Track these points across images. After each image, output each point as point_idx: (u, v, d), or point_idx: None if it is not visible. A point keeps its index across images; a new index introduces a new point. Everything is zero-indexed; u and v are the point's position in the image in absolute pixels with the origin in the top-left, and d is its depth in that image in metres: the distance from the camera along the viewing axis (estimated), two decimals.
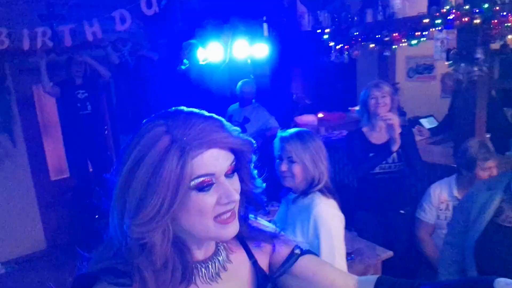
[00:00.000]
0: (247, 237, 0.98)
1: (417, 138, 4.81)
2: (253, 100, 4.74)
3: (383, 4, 3.21)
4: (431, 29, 2.81)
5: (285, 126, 4.79)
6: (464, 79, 2.89)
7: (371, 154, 2.96)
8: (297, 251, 0.99)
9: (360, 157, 2.99)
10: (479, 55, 2.63)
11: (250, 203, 0.94)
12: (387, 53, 3.15)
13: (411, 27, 2.90)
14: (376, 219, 3.08)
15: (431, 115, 5.15)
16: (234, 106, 4.81)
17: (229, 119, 4.63)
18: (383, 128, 2.96)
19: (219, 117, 0.84)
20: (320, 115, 4.74)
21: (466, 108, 3.04)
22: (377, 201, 3.04)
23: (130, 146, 0.79)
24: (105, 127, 5.09)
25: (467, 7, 2.61)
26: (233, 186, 0.83)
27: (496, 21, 2.42)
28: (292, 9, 4.13)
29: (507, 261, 1.61)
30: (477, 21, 2.54)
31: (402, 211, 3.05)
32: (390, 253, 2.61)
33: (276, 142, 2.06)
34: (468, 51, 2.78)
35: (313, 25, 3.80)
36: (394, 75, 5.75)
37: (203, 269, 0.88)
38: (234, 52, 4.97)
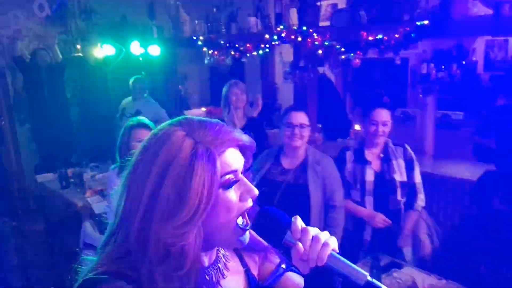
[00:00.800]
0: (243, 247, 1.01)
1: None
2: (145, 95, 5.32)
3: (242, 20, 4.03)
4: (272, 43, 3.63)
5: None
6: (299, 82, 3.77)
7: None
8: (283, 265, 1.06)
9: None
10: (302, 64, 3.50)
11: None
12: (244, 60, 3.91)
13: (257, 40, 3.72)
14: None
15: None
16: (127, 100, 5.34)
17: (122, 112, 5.18)
18: (240, 120, 3.77)
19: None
20: (203, 108, 5.47)
21: (303, 103, 3.94)
22: None
23: (148, 154, 0.80)
24: (1, 118, 5.35)
25: (295, 27, 3.47)
26: None
27: (308, 40, 3.29)
28: (177, 16, 4.78)
29: (268, 203, 2.47)
30: (299, 39, 3.40)
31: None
32: None
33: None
34: (299, 61, 3.65)
35: (191, 32, 4.50)
36: (274, 76, 6.69)
37: (206, 276, 0.89)
38: (130, 50, 5.52)
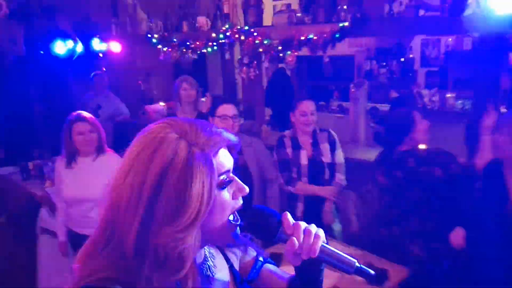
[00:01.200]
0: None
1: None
2: (106, 90, 5.52)
3: (193, 19, 4.31)
4: (220, 41, 3.92)
5: (135, 113, 5.65)
6: (246, 77, 4.07)
7: None
8: (261, 258, 1.09)
9: None
10: (246, 60, 3.80)
11: None
12: (194, 57, 4.19)
13: (206, 38, 4.00)
14: None
15: None
16: (89, 95, 5.54)
17: (84, 106, 5.36)
18: (191, 113, 4.04)
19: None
20: (162, 103, 5.72)
21: (251, 96, 4.25)
22: None
23: (141, 159, 0.78)
24: None
25: (239, 26, 3.77)
26: None
27: (250, 38, 3.59)
28: (134, 14, 5.01)
29: None
30: (242, 37, 3.69)
31: None
32: None
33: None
34: (244, 57, 3.94)
35: (147, 30, 4.73)
36: (234, 72, 6.96)
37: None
38: (92, 46, 5.70)
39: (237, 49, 4.28)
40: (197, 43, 4.06)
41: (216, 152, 0.82)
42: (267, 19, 3.87)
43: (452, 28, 3.09)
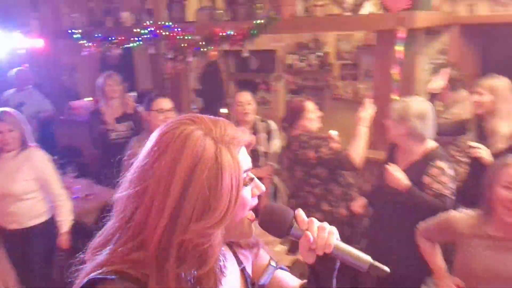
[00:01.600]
0: (236, 244, 1.02)
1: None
2: (29, 86, 5.38)
3: (116, 14, 4.37)
4: (142, 36, 4.02)
5: (60, 109, 5.57)
6: (171, 72, 4.22)
7: (109, 127, 4.05)
8: (273, 263, 1.08)
9: (98, 129, 4.05)
10: (171, 55, 3.95)
11: None
12: (119, 52, 4.26)
13: (130, 33, 4.09)
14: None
15: None
16: (10, 91, 5.36)
17: (6, 103, 5.19)
18: (116, 107, 4.10)
19: None
20: (88, 98, 5.69)
21: (178, 90, 4.41)
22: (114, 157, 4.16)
23: (168, 156, 0.78)
24: None
25: (159, 22, 3.90)
26: None
27: (173, 34, 3.75)
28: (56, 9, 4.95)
29: None
30: (166, 32, 3.83)
31: None
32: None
33: None
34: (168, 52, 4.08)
35: (70, 25, 4.70)
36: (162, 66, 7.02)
37: None
38: (13, 42, 5.51)
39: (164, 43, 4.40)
40: (121, 38, 4.13)
41: (239, 150, 0.83)
42: (192, 15, 4.03)
43: (356, 25, 3.46)
